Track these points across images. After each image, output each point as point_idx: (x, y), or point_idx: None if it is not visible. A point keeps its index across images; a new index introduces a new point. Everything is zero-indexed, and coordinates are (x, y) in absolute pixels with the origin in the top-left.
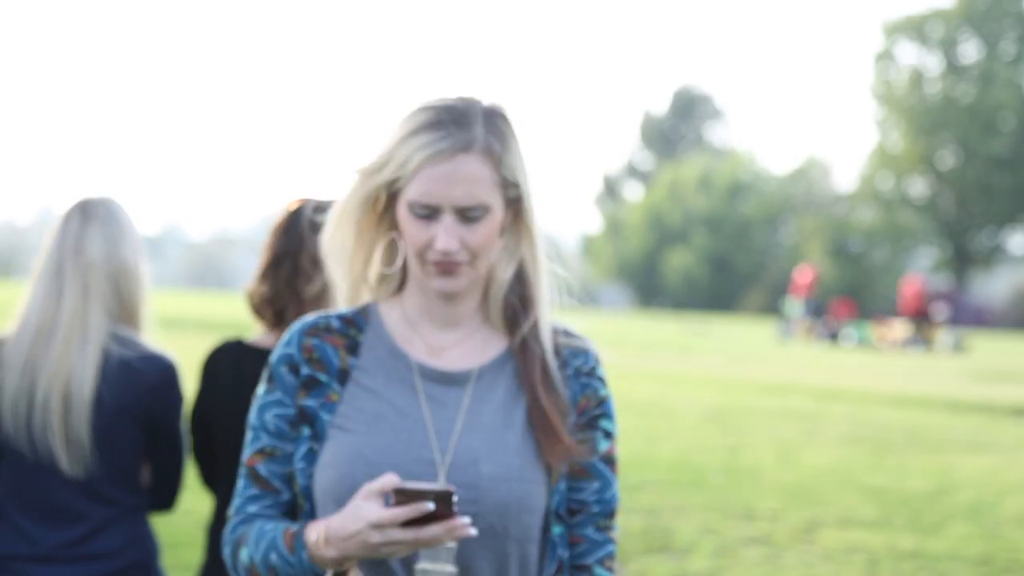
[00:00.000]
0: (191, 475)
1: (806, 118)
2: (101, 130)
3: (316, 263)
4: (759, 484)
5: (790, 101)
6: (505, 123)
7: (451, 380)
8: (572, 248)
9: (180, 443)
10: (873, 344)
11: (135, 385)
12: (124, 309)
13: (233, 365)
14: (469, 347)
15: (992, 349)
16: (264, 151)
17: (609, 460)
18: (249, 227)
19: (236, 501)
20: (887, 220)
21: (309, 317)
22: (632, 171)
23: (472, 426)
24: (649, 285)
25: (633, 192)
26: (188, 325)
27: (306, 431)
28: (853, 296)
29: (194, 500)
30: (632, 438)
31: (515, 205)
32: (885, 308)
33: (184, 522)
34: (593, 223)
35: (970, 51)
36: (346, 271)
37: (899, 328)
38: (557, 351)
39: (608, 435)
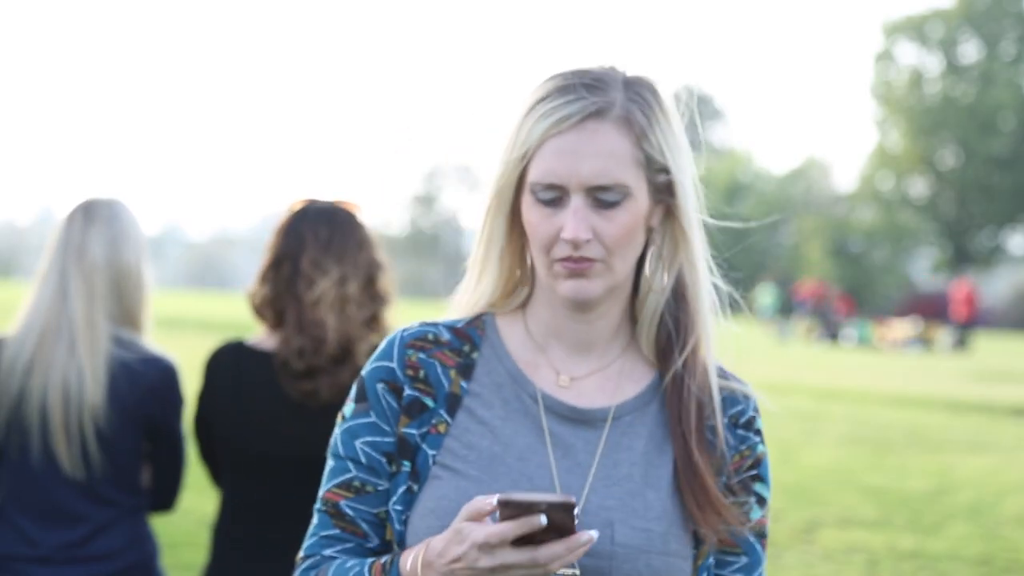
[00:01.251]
0: (192, 475)
1: (806, 118)
2: (101, 130)
3: (318, 266)
4: None
5: (790, 101)
6: (652, 93)
7: (583, 419)
8: None
9: (180, 444)
10: (873, 344)
11: (136, 387)
12: (125, 311)
13: (233, 366)
14: (606, 378)
15: (992, 349)
16: (264, 151)
17: (760, 534)
18: (249, 227)
19: (309, 540)
20: (887, 220)
21: (414, 325)
22: None
23: (606, 480)
24: None
25: None
26: (188, 325)
27: (406, 466)
28: (853, 296)
29: (194, 500)
30: None
31: (666, 197)
32: (885, 308)
33: (184, 522)
34: None
35: (970, 51)
36: (473, 279)
37: (899, 328)
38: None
39: (762, 502)
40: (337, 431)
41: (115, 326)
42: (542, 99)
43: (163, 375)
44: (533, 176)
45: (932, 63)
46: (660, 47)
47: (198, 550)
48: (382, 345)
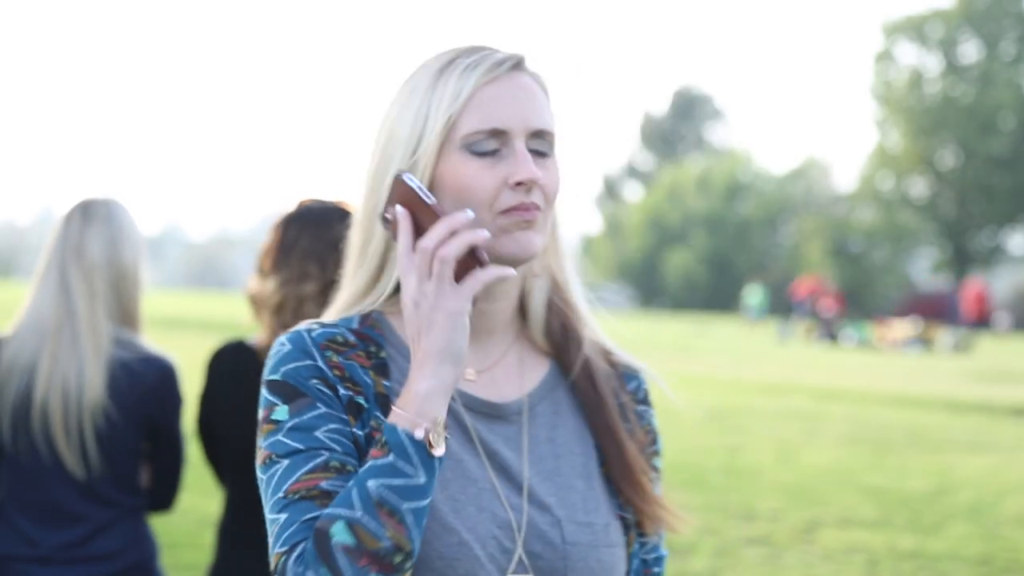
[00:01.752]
0: (192, 475)
1: (806, 118)
2: (102, 130)
3: (275, 266)
4: (759, 484)
5: (790, 101)
6: None
7: (500, 414)
8: (572, 248)
9: (180, 444)
10: (873, 344)
11: (135, 387)
12: (123, 310)
13: (234, 366)
14: (509, 367)
15: (992, 349)
16: (264, 151)
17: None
18: (249, 227)
19: (286, 532)
20: (887, 220)
21: (313, 327)
22: (632, 171)
23: (539, 477)
24: (649, 285)
25: (633, 192)
26: (188, 325)
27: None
28: (853, 296)
29: (194, 500)
30: None
31: None
32: (885, 308)
33: (184, 522)
34: (593, 223)
35: (970, 51)
36: (371, 275)
37: (899, 329)
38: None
39: (659, 475)
40: (277, 437)
41: (114, 326)
42: (453, 60)
43: (162, 375)
44: (469, 127)
45: (932, 63)
46: (661, 47)
47: (198, 550)
48: (285, 347)
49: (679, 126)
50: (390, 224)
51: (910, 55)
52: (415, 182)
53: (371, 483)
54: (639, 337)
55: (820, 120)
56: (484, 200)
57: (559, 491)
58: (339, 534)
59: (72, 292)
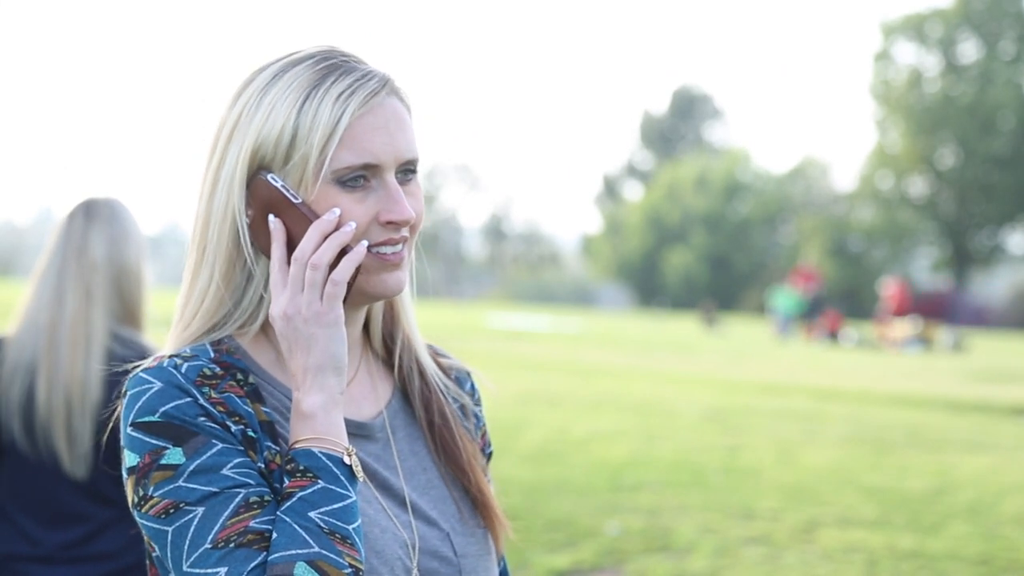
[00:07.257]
0: None
1: (805, 117)
2: (101, 130)
3: None
4: (759, 484)
5: (789, 100)
6: None
7: (367, 432)
8: (572, 248)
9: None
10: (873, 344)
11: None
12: (126, 309)
13: None
14: (363, 383)
15: (992, 349)
16: None
17: None
18: None
19: None
20: (887, 220)
21: (176, 361)
22: (632, 171)
23: (416, 490)
24: (649, 285)
25: (633, 192)
26: None
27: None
28: (853, 295)
29: None
30: (632, 438)
31: None
32: (884, 308)
33: None
34: (593, 223)
35: (969, 51)
36: (223, 298)
37: (899, 328)
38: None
39: (491, 480)
40: (177, 483)
41: (116, 324)
42: (323, 79)
43: None
44: (342, 162)
45: (931, 63)
46: (661, 46)
47: None
48: (152, 385)
49: (678, 125)
50: (250, 230)
51: (909, 54)
52: (279, 182)
53: (313, 514)
54: (638, 336)
55: (819, 119)
56: (355, 235)
57: (437, 504)
58: (304, 574)
59: (68, 292)
